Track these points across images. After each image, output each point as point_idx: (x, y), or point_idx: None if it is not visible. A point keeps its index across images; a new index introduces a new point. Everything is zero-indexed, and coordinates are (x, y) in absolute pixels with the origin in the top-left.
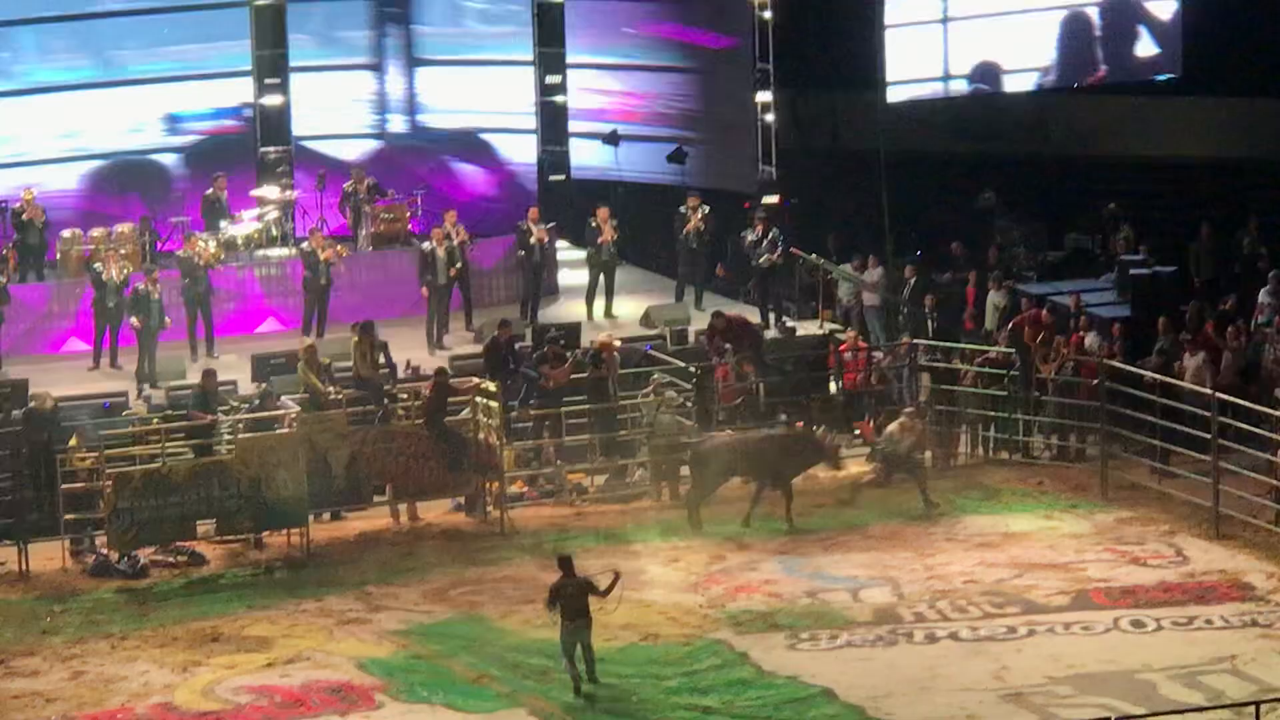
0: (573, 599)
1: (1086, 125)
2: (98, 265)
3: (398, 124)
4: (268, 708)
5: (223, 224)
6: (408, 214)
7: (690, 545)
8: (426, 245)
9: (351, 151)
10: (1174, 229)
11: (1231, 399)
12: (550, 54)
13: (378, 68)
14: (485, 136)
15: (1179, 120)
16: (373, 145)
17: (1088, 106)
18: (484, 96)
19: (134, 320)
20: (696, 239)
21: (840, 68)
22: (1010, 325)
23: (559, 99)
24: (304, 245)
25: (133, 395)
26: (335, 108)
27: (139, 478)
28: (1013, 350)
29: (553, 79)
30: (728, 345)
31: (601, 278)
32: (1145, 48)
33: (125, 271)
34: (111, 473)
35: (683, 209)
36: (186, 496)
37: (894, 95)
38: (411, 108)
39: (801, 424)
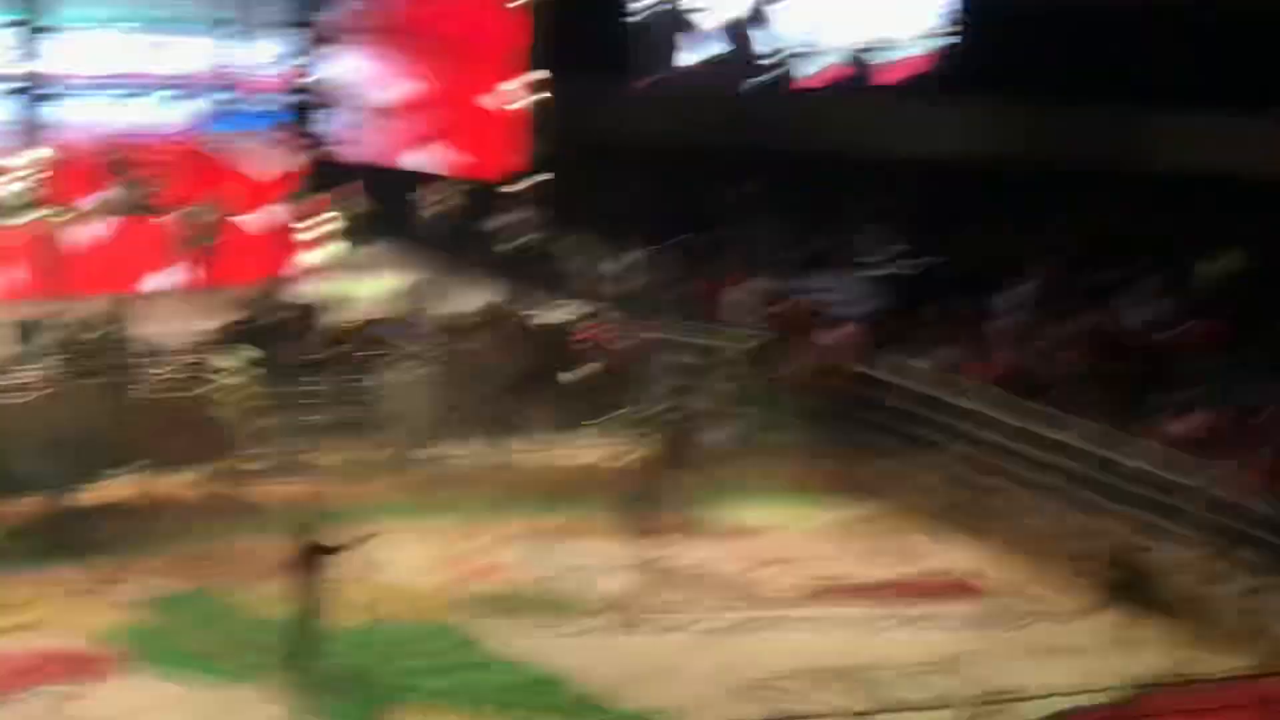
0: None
1: (836, 122)
2: None
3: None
4: (0, 675)
5: None
6: (156, 187)
7: (428, 527)
8: (148, 216)
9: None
10: (925, 230)
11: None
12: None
13: None
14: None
15: (932, 121)
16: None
17: (845, 106)
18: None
19: None
20: (439, 221)
21: (598, 53)
22: (769, 314)
23: (313, 78)
24: (34, 215)
25: None
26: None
27: None
28: (759, 342)
29: (305, 57)
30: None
31: (349, 254)
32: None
33: None
34: None
35: (420, 189)
36: None
37: (649, 81)
38: None
39: None
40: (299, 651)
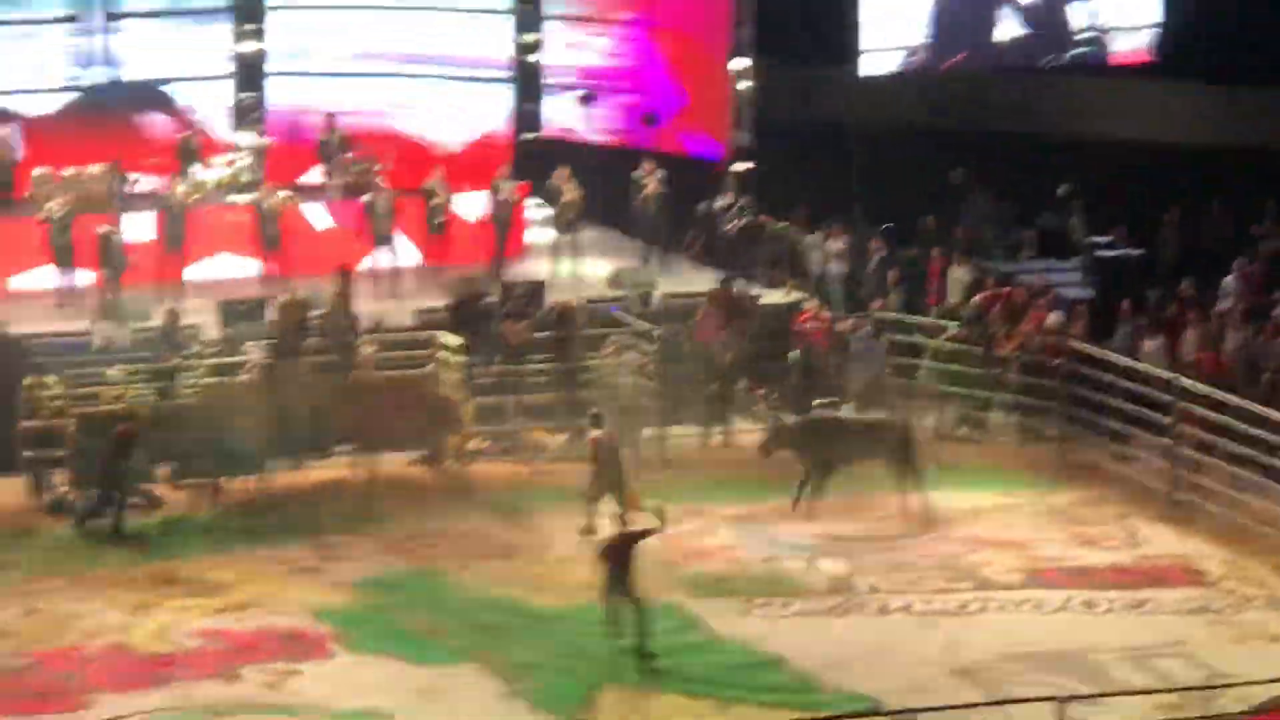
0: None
1: (1061, 105)
2: (50, 204)
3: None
4: (220, 652)
5: (194, 167)
6: (378, 166)
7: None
8: (367, 197)
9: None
10: (1144, 213)
11: (1191, 381)
12: (528, 9)
13: None
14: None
15: (1154, 104)
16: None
17: (1065, 87)
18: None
19: (101, 264)
20: (655, 204)
21: (816, 37)
22: (975, 300)
23: (533, 56)
24: (254, 196)
25: (97, 335)
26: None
27: (101, 418)
28: (975, 326)
29: (529, 36)
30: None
31: (564, 237)
32: (1123, 32)
33: (69, 209)
34: (75, 412)
35: (637, 174)
36: (147, 438)
37: (868, 67)
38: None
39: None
40: (619, 636)
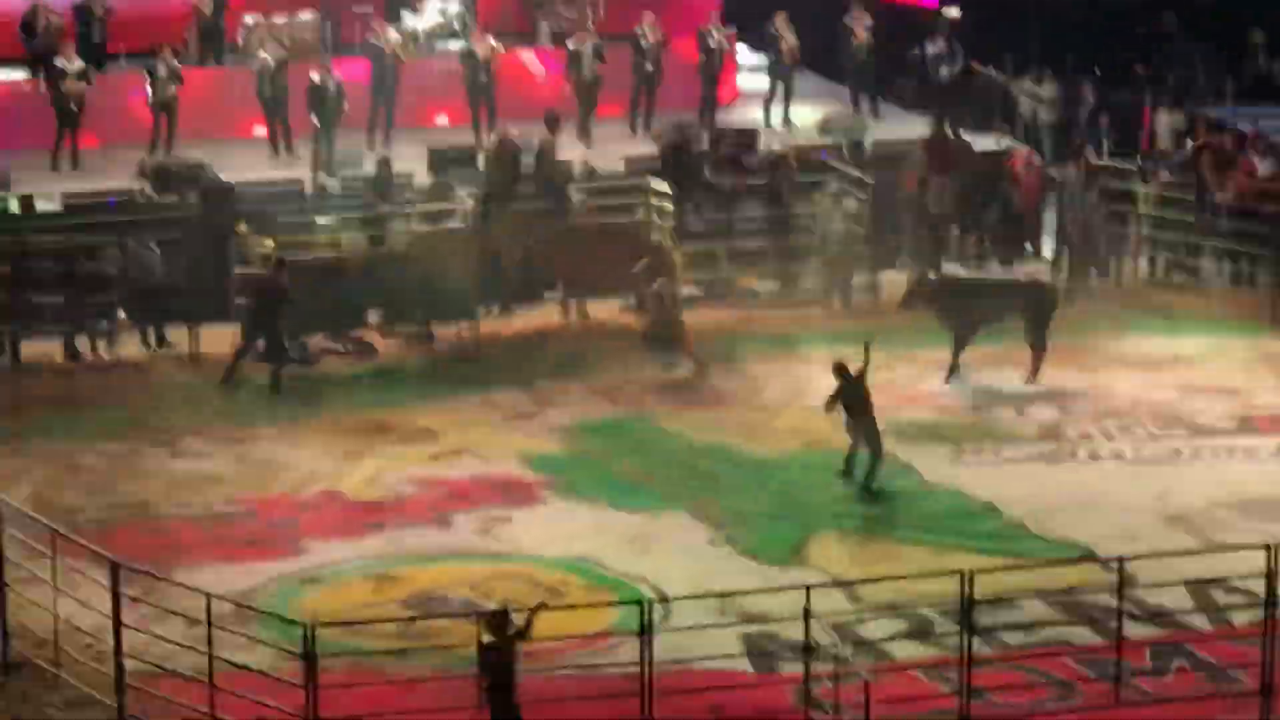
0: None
1: None
2: (261, 52)
3: None
4: (432, 499)
5: (404, 15)
6: (589, 13)
7: (857, 354)
8: (571, 43)
9: None
10: None
11: None
12: None
13: None
14: None
15: None
16: None
17: None
18: None
19: (311, 111)
20: (865, 50)
21: None
22: (1190, 148)
23: None
24: (462, 44)
25: (309, 183)
26: None
27: (313, 266)
28: (1186, 173)
29: None
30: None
31: (780, 85)
32: None
33: (280, 58)
34: (287, 261)
35: (846, 20)
36: (358, 286)
37: None
38: None
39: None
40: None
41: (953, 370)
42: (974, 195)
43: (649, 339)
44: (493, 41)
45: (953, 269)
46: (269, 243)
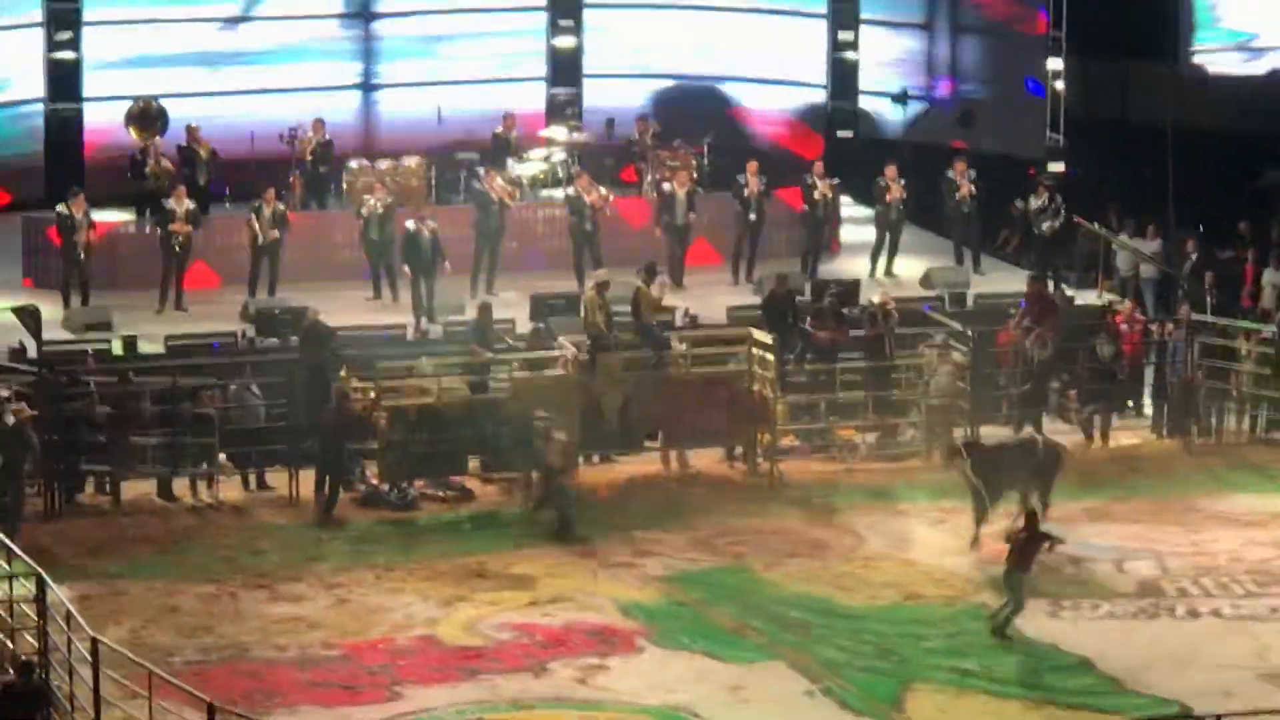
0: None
1: None
2: (368, 197)
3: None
4: (529, 646)
5: (510, 162)
6: (693, 162)
7: (957, 507)
8: (666, 186)
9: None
10: None
11: None
12: (844, 8)
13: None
14: (771, 88)
15: None
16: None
17: None
18: (772, 47)
19: (405, 262)
20: (968, 204)
21: (1133, 36)
22: None
23: (850, 55)
24: (569, 191)
25: (411, 329)
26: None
27: (414, 410)
28: None
29: (845, 35)
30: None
31: (887, 236)
32: None
33: (386, 203)
34: (387, 405)
35: (950, 174)
36: (459, 432)
37: (1202, 66)
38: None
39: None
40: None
41: (976, 538)
42: (1076, 349)
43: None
44: (601, 189)
45: (979, 435)
46: (359, 384)
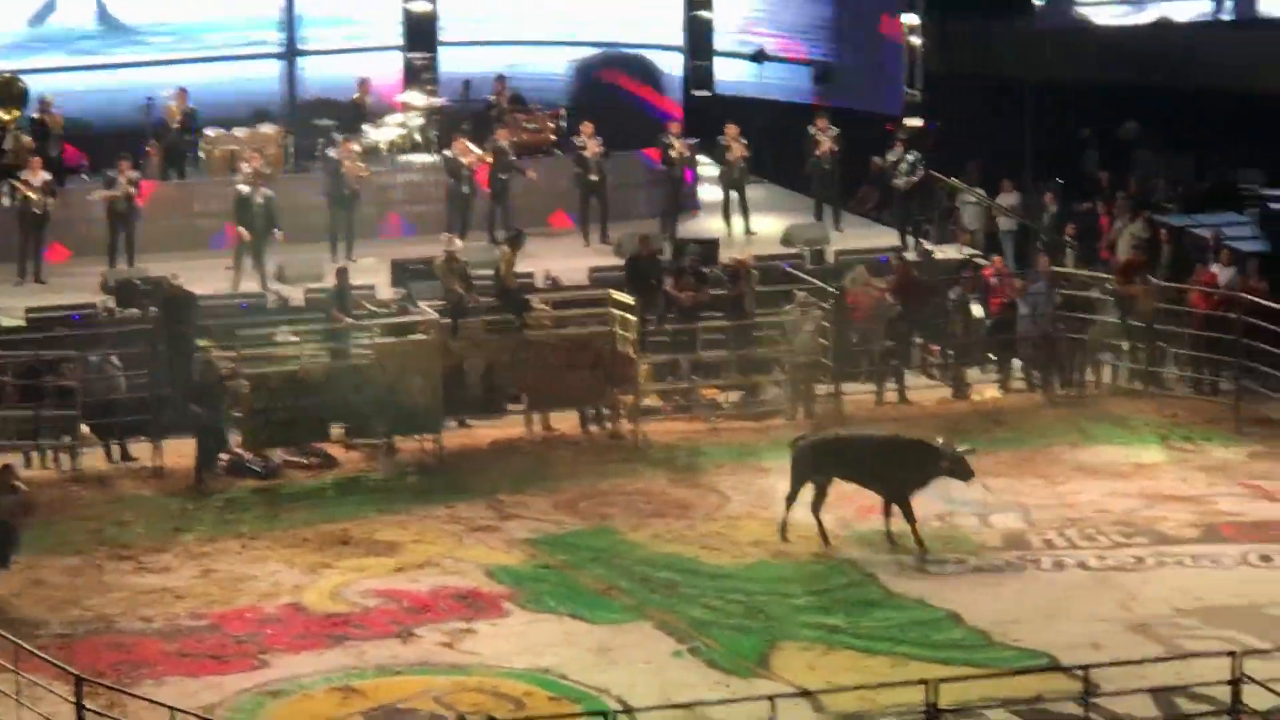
0: None
1: (1235, 59)
2: (245, 165)
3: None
4: (395, 612)
5: (365, 128)
6: (550, 125)
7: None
8: (577, 140)
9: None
10: None
11: None
12: None
13: None
14: (634, 51)
15: None
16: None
17: (1237, 40)
18: (629, 9)
19: (240, 226)
20: (829, 160)
21: None
22: (1156, 251)
23: (705, 14)
24: (446, 153)
25: (271, 297)
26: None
27: (276, 379)
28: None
29: None
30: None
31: (733, 195)
32: None
33: (264, 173)
34: (249, 373)
35: (812, 130)
36: (322, 399)
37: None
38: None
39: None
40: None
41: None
42: (935, 305)
43: None
44: (477, 151)
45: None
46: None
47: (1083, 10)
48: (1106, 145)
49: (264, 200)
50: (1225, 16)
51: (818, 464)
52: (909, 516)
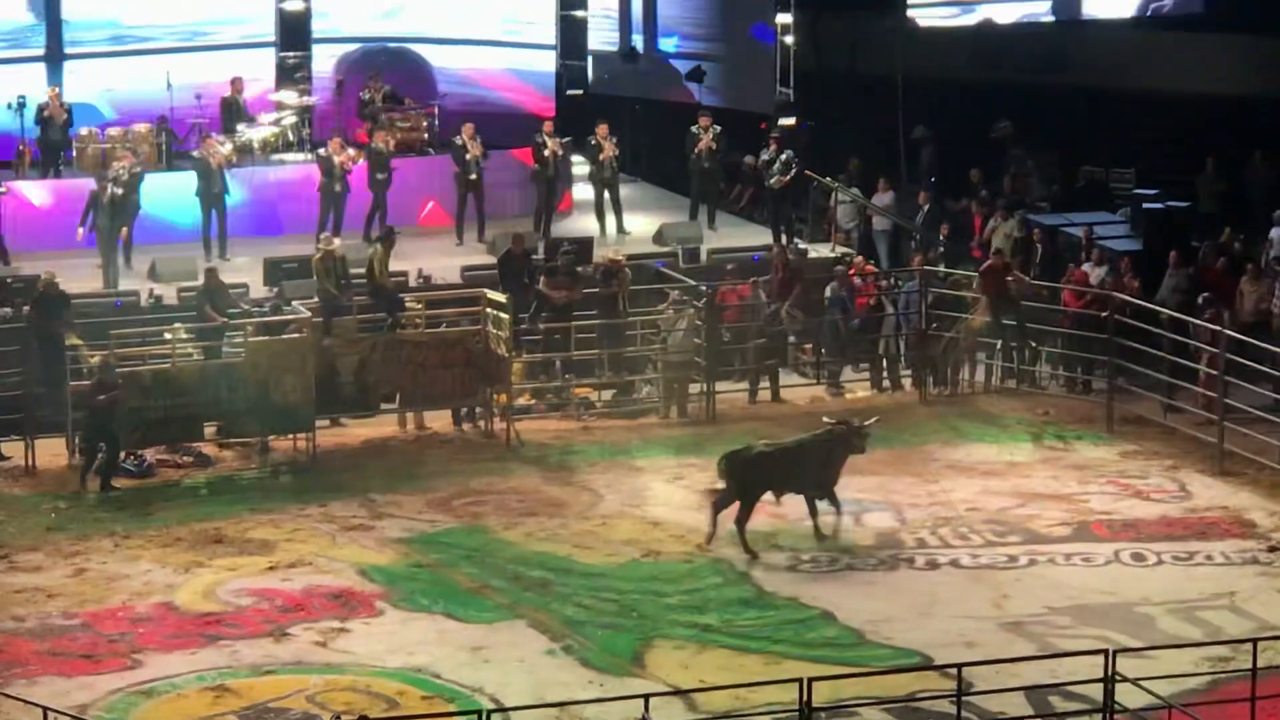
0: None
1: (1105, 58)
2: (117, 164)
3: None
4: (268, 611)
5: (240, 127)
6: (424, 123)
7: (695, 464)
8: (457, 140)
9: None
10: (1185, 165)
11: (1242, 338)
12: None
13: None
14: (503, 49)
15: (1196, 56)
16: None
17: (1107, 39)
18: (501, 6)
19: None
20: (709, 158)
21: None
22: (1030, 249)
23: (578, 13)
24: (320, 151)
25: (144, 295)
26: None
27: (148, 377)
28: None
29: None
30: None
31: (606, 194)
32: None
33: (133, 171)
34: (121, 371)
35: (694, 128)
36: (195, 397)
37: (915, 20)
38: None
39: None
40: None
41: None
42: (808, 304)
43: None
44: (350, 150)
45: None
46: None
47: (912, 13)
48: (978, 144)
49: (110, 198)
50: (1097, 15)
51: (760, 479)
52: (839, 507)
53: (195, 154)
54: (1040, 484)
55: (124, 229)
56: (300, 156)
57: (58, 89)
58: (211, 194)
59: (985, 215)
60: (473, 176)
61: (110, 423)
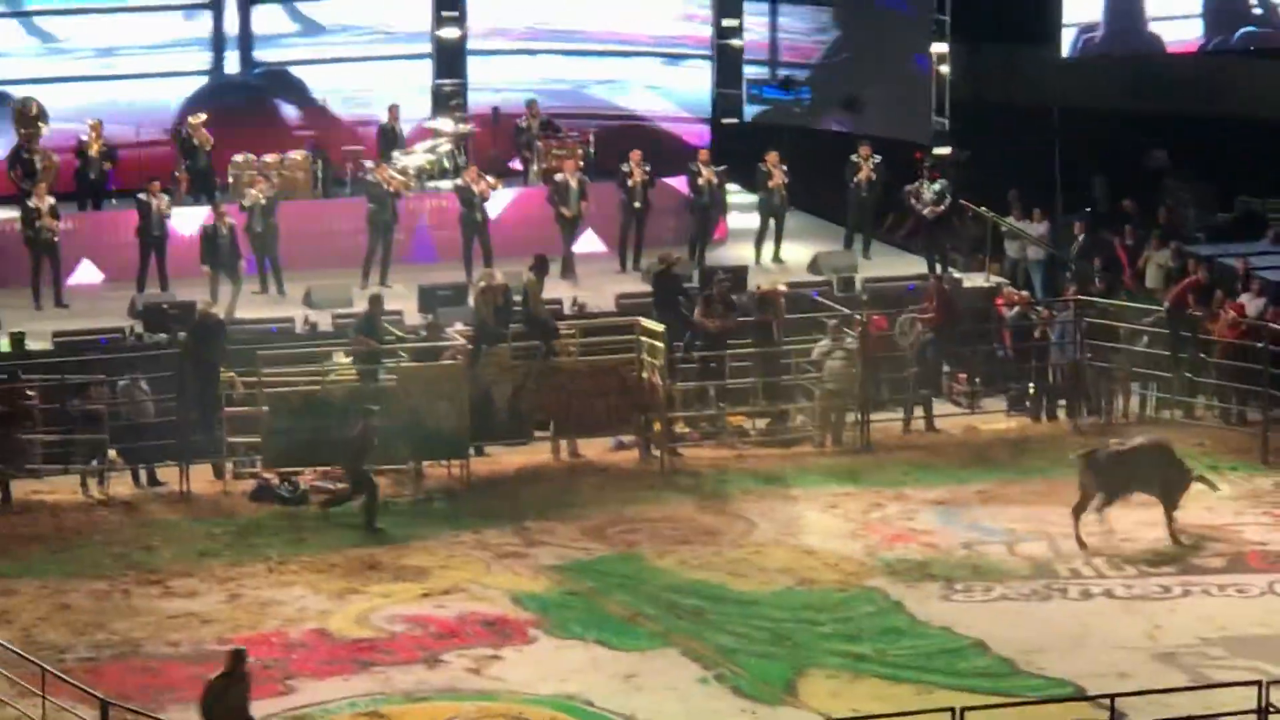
0: None
1: (1261, 88)
2: (251, 190)
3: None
4: (422, 638)
5: (395, 154)
6: (579, 151)
7: (849, 492)
8: (559, 176)
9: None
10: None
11: None
12: None
13: None
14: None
15: None
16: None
17: (1262, 69)
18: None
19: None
20: (867, 188)
21: (1016, 20)
22: (1172, 295)
23: (735, 41)
24: (458, 181)
25: (299, 321)
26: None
27: (297, 399)
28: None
29: (730, 21)
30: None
31: (771, 222)
32: None
33: (270, 196)
34: (269, 393)
35: (854, 157)
36: (345, 421)
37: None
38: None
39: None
40: None
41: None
42: (964, 334)
43: None
44: (489, 179)
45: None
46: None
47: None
48: (1133, 174)
49: (229, 230)
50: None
51: (1118, 476)
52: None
53: (370, 179)
54: (1194, 515)
55: (265, 257)
56: (453, 184)
57: (201, 115)
58: (382, 220)
59: (1133, 248)
60: (637, 204)
61: (366, 454)
